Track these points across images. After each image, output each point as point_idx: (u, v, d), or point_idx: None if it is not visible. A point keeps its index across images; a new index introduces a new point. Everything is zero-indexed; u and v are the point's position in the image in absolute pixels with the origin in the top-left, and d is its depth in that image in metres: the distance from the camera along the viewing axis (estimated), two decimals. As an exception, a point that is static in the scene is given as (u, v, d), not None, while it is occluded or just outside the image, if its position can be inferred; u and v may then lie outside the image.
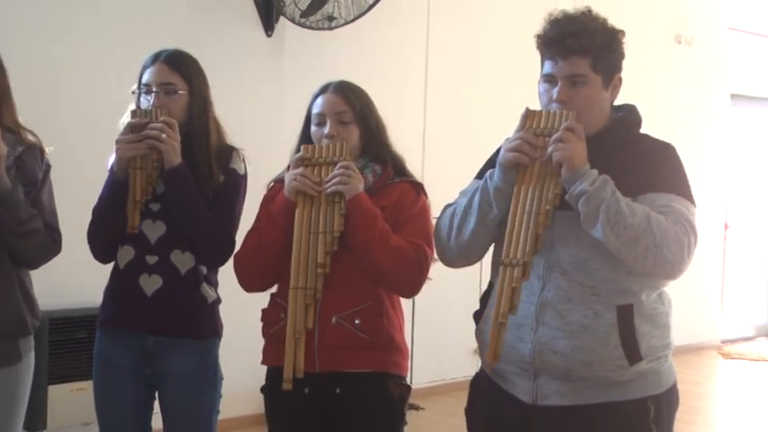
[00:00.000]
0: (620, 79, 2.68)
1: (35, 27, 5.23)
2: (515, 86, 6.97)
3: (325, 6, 6.03)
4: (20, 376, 3.19)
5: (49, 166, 3.25)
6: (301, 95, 5.59)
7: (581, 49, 2.56)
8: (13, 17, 5.07)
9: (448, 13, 7.14)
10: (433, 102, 7.02)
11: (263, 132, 5.53)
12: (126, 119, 3.20)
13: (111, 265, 3.29)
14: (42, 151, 3.24)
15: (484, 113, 7.07)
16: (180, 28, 5.43)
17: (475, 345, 7.20)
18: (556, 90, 2.60)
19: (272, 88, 6.20)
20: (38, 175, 3.18)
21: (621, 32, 2.66)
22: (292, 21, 6.09)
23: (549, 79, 2.63)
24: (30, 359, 3.22)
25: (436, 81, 7.09)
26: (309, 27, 6.11)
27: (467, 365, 7.14)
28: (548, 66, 2.63)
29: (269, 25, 6.17)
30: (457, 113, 7.15)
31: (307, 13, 6.05)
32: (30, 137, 3.22)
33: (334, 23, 6.07)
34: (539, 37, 2.65)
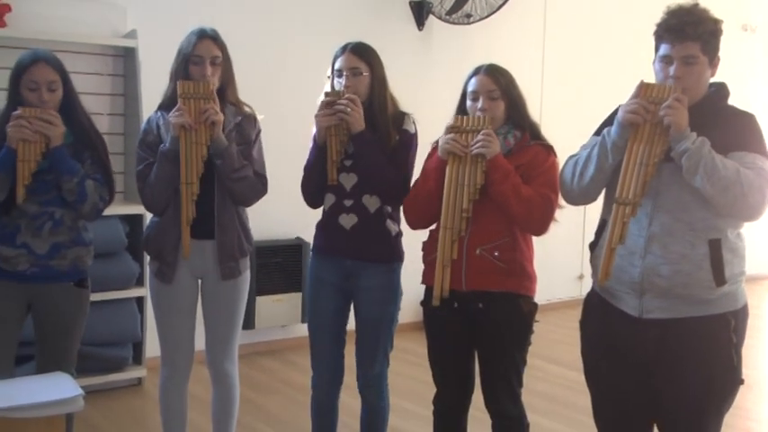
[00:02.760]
0: (718, 59, 2.58)
1: (257, 29, 5.41)
2: (615, 69, 6.84)
3: (465, 6, 6.02)
4: (240, 287, 3.31)
5: (259, 130, 3.32)
6: (445, 75, 5.61)
7: (695, 35, 2.48)
8: (242, 23, 5.23)
9: (561, 9, 6.99)
10: (549, 80, 6.89)
11: (415, 105, 5.50)
12: (322, 97, 3.23)
13: (298, 206, 3.35)
14: (255, 119, 3.31)
15: (588, 91, 6.93)
16: (354, 26, 5.45)
17: (578, 271, 7.14)
18: (672, 68, 2.52)
19: (422, 70, 6.19)
20: (251, 136, 3.26)
21: (721, 21, 2.57)
22: (439, 18, 6.09)
23: (665, 59, 2.54)
24: (246, 275, 3.32)
25: (550, 63, 6.97)
26: (452, 22, 6.09)
27: (571, 288, 7.08)
28: (665, 48, 2.54)
29: (420, 21, 6.17)
30: (566, 89, 7.01)
31: (450, 12, 6.06)
32: (246, 109, 3.30)
33: (471, 20, 6.03)
34: (659, 25, 2.56)
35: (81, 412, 2.72)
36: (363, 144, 3.09)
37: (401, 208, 3.18)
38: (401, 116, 3.22)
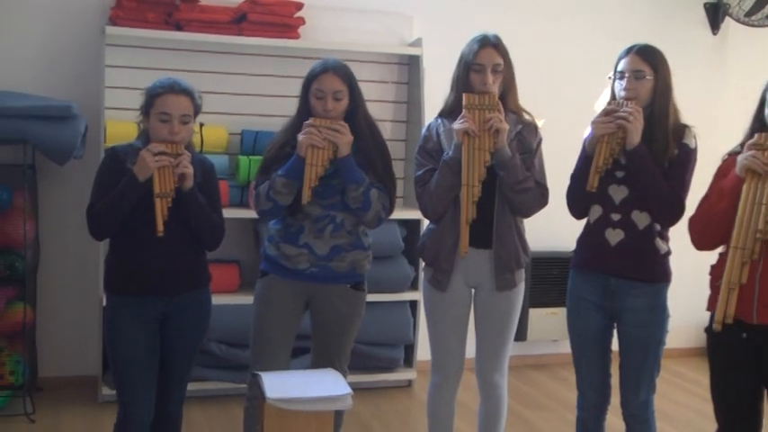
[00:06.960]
0: None
1: (542, 35, 5.39)
2: None
3: (766, 6, 5.56)
4: (514, 299, 3.27)
5: (540, 139, 3.25)
6: (742, 84, 5.22)
7: None
8: (527, 29, 5.23)
9: None
10: None
11: (707, 117, 5.19)
12: (600, 102, 3.10)
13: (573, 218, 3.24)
14: (536, 127, 3.26)
15: None
16: (643, 31, 5.20)
17: None
18: None
19: (716, 78, 5.85)
20: (532, 145, 3.21)
21: None
22: (737, 20, 5.70)
23: None
24: (521, 287, 3.28)
25: None
26: (751, 25, 5.67)
27: None
28: None
29: (715, 25, 5.84)
30: None
31: (749, 13, 5.64)
32: (526, 116, 3.25)
33: (774, 20, 5.58)
34: None
35: (351, 408, 2.78)
36: (639, 158, 2.94)
37: (678, 227, 2.98)
38: (682, 128, 3.03)
